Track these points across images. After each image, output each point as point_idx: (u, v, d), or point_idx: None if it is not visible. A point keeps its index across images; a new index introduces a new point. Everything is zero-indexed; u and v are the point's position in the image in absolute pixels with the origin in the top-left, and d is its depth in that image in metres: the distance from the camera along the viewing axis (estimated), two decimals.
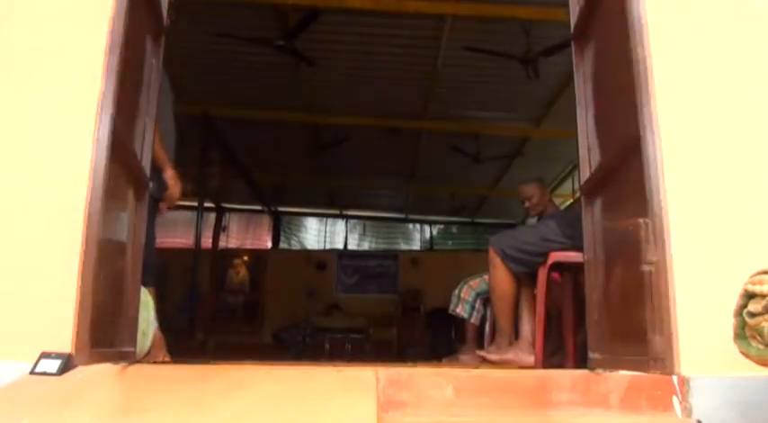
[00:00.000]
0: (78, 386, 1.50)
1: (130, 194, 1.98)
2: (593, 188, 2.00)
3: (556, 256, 2.50)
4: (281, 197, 13.50)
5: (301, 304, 13.18)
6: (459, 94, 8.09)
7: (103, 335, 1.66)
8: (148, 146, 2.13)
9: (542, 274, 2.52)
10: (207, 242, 13.70)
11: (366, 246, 14.50)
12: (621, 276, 1.77)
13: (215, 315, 13.12)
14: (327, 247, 14.34)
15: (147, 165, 2.12)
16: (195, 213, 13.71)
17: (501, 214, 14.20)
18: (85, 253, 1.40)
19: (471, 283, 3.84)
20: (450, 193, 12.10)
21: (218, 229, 14.07)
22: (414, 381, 1.80)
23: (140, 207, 2.10)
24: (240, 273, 13.81)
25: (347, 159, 10.43)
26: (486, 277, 3.88)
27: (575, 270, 2.83)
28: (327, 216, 14.35)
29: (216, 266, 13.76)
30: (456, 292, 3.91)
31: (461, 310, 3.76)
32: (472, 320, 3.74)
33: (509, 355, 2.54)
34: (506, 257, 2.59)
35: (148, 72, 2.14)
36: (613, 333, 1.89)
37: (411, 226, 14.73)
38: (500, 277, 2.63)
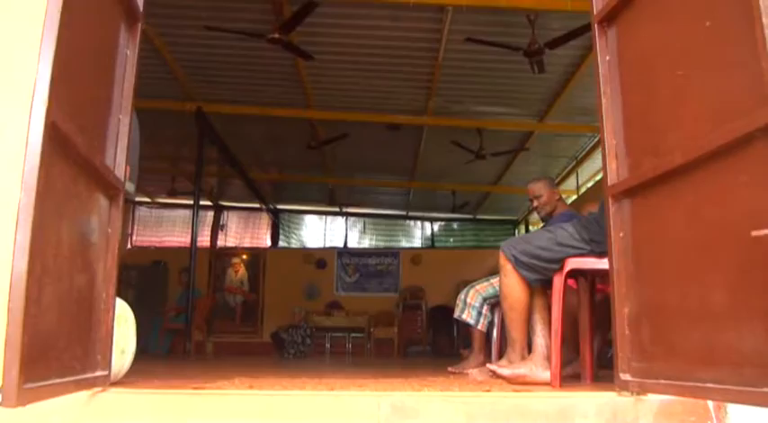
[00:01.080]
0: None
1: (100, 198, 1.76)
2: (632, 190, 1.77)
3: (573, 263, 2.28)
4: (280, 195, 13.35)
5: (301, 303, 13.04)
6: (462, 88, 7.89)
7: (56, 364, 1.44)
8: (124, 145, 1.92)
9: (559, 282, 2.30)
10: (205, 241, 13.60)
11: (366, 243, 14.34)
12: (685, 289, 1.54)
13: (214, 315, 13.02)
14: (327, 245, 14.17)
15: (121, 165, 1.90)
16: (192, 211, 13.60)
17: (503, 211, 14.04)
18: (16, 270, 1.19)
19: (478, 287, 3.62)
20: (452, 190, 11.89)
21: (217, 227, 13.94)
22: (420, 409, 1.59)
23: (115, 212, 1.88)
24: (239, 272, 13.68)
25: (347, 156, 10.26)
26: (493, 281, 3.67)
27: (591, 276, 2.63)
28: (327, 214, 14.17)
29: (214, 265, 13.64)
30: (462, 296, 3.70)
31: (468, 316, 3.55)
32: (479, 327, 3.53)
33: (522, 370, 2.33)
34: (519, 264, 2.38)
35: (121, 63, 1.93)
36: (648, 352, 1.68)
37: (412, 223, 14.57)
38: (512, 285, 2.41)
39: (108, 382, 1.79)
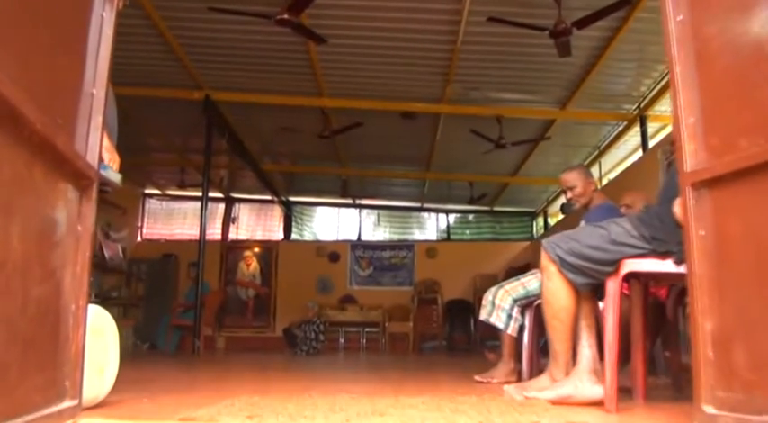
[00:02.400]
0: None
1: (66, 190, 1.45)
2: (720, 179, 1.43)
3: (632, 265, 1.94)
4: (293, 186, 13.07)
5: (314, 297, 12.79)
6: (481, 74, 7.53)
7: (6, 402, 1.13)
8: (98, 124, 1.60)
9: (614, 288, 1.96)
10: (216, 234, 13.36)
11: (380, 236, 14.02)
12: None
13: (226, 309, 12.81)
14: (340, 237, 13.87)
15: (94, 149, 1.59)
16: (210, 204, 13.32)
17: (521, 202, 13.67)
18: None
19: (507, 287, 3.29)
20: (469, 181, 11.52)
21: (228, 219, 13.70)
22: None
23: (87, 206, 1.57)
24: (251, 265, 13.45)
25: (360, 146, 9.94)
26: (524, 281, 3.34)
27: (644, 278, 2.28)
28: (340, 206, 13.85)
29: (226, 258, 13.41)
30: (489, 297, 3.36)
31: (497, 320, 3.22)
32: (509, 331, 3.19)
33: (567, 390, 2.00)
34: (565, 266, 2.04)
35: (96, 27, 1.61)
36: (744, 380, 1.34)
37: (427, 215, 14.23)
38: (556, 290, 2.07)
39: (78, 413, 1.48)
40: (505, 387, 2.30)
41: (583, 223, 3.39)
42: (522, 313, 3.24)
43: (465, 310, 13.02)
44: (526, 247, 13.72)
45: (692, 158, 1.51)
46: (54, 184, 1.37)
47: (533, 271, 3.54)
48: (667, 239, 1.88)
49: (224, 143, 8.60)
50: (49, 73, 1.37)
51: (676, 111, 1.59)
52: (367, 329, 12.72)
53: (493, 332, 12.72)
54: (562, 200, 12.33)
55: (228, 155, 9.53)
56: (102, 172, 1.97)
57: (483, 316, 3.32)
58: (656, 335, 2.90)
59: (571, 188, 3.46)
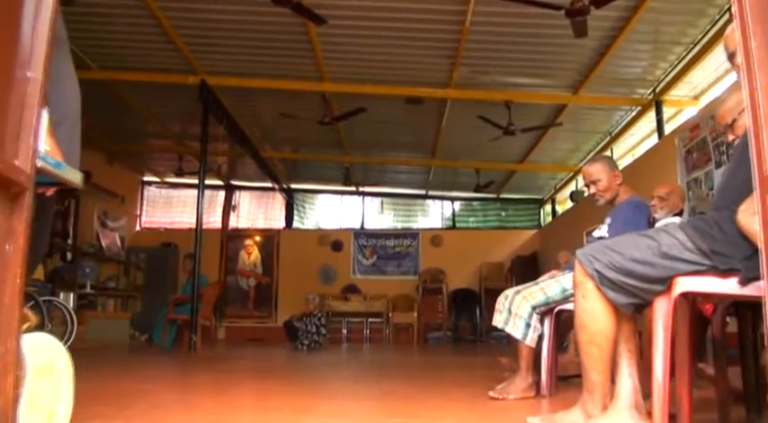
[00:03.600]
0: None
1: None
2: None
3: (688, 284, 1.61)
4: (294, 174, 12.75)
5: (316, 286, 12.54)
6: (490, 57, 7.17)
7: None
8: (33, 118, 1.28)
9: (665, 309, 1.64)
10: (216, 223, 13.09)
11: (384, 224, 13.71)
12: None
13: (226, 300, 12.56)
14: (343, 226, 13.57)
15: (27, 149, 1.27)
16: (209, 192, 13.05)
17: (528, 190, 13.34)
18: None
19: (525, 293, 2.96)
20: (475, 169, 11.18)
21: (228, 207, 13.40)
22: None
23: (18, 219, 1.25)
24: (252, 254, 13.20)
25: (363, 132, 9.62)
26: (543, 286, 3.02)
27: (692, 295, 1.96)
28: (343, 193, 13.54)
29: (226, 247, 13.13)
30: (504, 302, 3.04)
31: (513, 328, 2.90)
32: (527, 342, 2.88)
33: None
34: (604, 282, 1.71)
35: None
36: None
37: (431, 203, 13.89)
38: (593, 311, 1.75)
39: None
40: (529, 420, 1.99)
41: (608, 221, 3.08)
42: (542, 321, 2.92)
43: (471, 299, 12.75)
44: (533, 235, 13.44)
45: None
46: None
47: (552, 273, 3.22)
48: (730, 254, 1.56)
49: (222, 129, 8.27)
50: None
51: (752, 98, 1.26)
52: (370, 320, 12.47)
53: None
54: (571, 187, 12.01)
55: (227, 141, 9.20)
56: (57, 171, 1.65)
57: (497, 322, 3.00)
58: (697, 353, 2.60)
59: (595, 182, 3.14)
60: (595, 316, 1.74)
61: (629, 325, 1.84)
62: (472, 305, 12.71)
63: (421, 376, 4.49)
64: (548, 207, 13.64)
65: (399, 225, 13.71)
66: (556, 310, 2.91)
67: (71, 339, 5.67)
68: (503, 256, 13.06)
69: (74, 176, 1.76)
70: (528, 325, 2.85)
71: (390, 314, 12.46)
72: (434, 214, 13.90)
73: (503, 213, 13.99)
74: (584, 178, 3.18)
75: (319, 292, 12.29)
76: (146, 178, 13.18)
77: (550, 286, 2.93)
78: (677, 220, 3.24)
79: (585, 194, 10.60)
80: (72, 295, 8.50)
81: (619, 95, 8.24)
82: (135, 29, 6.73)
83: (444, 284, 12.58)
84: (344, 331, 12.38)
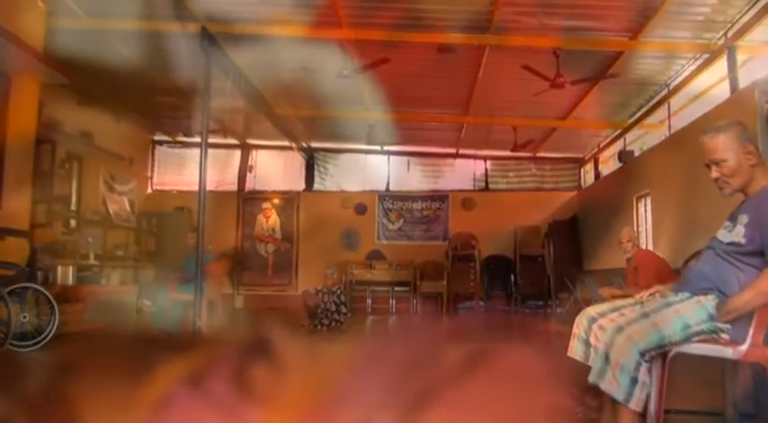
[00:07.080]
0: None
1: None
2: None
3: None
4: (314, 132, 11.84)
5: (339, 252, 11.79)
6: None
7: None
8: None
9: None
10: (232, 185, 12.29)
11: (411, 186, 12.79)
12: None
13: (243, 266, 11.87)
14: (367, 188, 12.69)
15: None
16: (224, 151, 12.21)
17: (568, 148, 12.31)
18: None
19: (629, 330, 1.91)
20: (512, 126, 10.12)
21: (245, 168, 12.56)
22: None
23: None
24: (270, 217, 12.47)
25: (388, 86, 8.58)
26: (655, 318, 2.05)
27: None
28: (367, 152, 12.66)
29: (242, 211, 12.36)
30: (586, 336, 2.10)
31: (611, 386, 1.92)
32: (632, 405, 1.91)
33: None
34: None
35: None
36: None
37: (463, 162, 12.86)
38: None
39: None
40: None
41: (745, 219, 2.12)
42: (650, 370, 1.96)
43: (505, 267, 11.95)
44: (572, 196, 12.44)
45: None
46: None
47: (658, 289, 2.21)
48: None
49: (228, 84, 7.34)
50: None
51: None
52: (397, 289, 11.70)
53: (538, 291, 11.29)
54: (618, 146, 10.86)
55: (236, 98, 8.27)
56: None
57: (591, 377, 2.01)
58: None
59: (719, 162, 2.17)
60: None
61: None
62: (506, 273, 11.87)
63: (456, 353, 3.58)
64: (589, 167, 12.56)
65: (427, 187, 12.77)
66: (671, 354, 1.94)
67: (52, 332, 4.94)
68: (539, 219, 12.12)
69: None
70: (633, 380, 1.90)
71: (418, 283, 11.66)
72: (466, 175, 12.89)
73: (540, 173, 12.95)
74: (704, 155, 2.20)
75: (342, 259, 11.58)
76: (157, 137, 12.34)
77: (669, 319, 1.95)
78: None
79: (637, 154, 9.50)
80: (71, 269, 7.80)
81: (683, 40, 7.12)
82: None
83: (476, 251, 11.71)
84: (369, 301, 11.64)
